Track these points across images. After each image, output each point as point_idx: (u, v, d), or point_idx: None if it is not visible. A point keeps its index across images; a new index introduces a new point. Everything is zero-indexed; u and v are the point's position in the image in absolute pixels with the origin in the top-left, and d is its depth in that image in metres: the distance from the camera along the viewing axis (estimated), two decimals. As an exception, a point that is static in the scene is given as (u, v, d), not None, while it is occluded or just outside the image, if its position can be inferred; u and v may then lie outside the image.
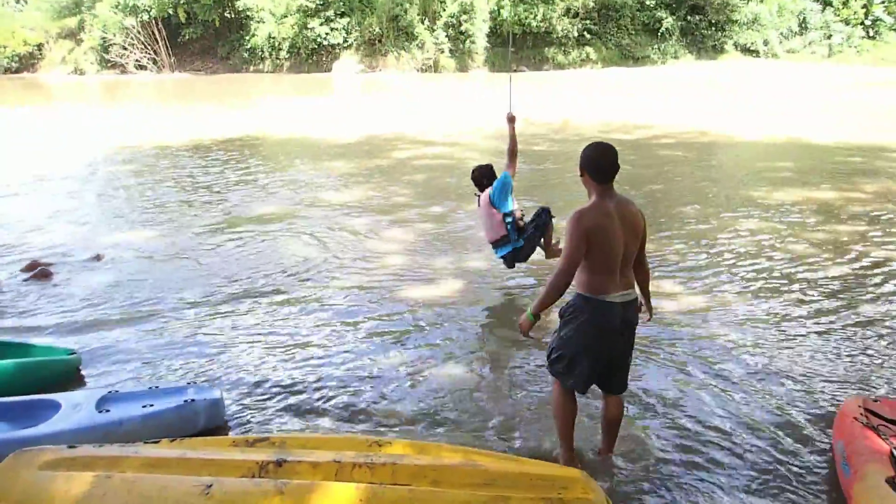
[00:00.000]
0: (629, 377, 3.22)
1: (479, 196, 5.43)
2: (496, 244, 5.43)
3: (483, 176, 5.50)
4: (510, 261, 5.51)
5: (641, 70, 36.39)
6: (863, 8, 40.37)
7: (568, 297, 3.09)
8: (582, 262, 2.90)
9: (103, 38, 40.60)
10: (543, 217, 5.46)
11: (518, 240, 5.36)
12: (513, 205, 5.37)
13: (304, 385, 4.05)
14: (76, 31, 43.26)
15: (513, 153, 5.39)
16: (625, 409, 3.30)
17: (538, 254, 5.69)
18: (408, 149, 13.11)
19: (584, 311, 2.98)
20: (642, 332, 4.65)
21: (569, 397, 3.17)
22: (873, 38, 40.72)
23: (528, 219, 5.49)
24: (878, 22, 40.68)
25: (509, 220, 5.31)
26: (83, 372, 4.23)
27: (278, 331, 4.85)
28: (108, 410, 3.40)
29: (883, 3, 40.53)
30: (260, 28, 39.65)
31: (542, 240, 5.53)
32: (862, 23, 40.41)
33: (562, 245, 3.19)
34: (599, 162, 2.97)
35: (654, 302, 4.62)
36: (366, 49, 38.95)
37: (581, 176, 3.02)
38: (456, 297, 5.45)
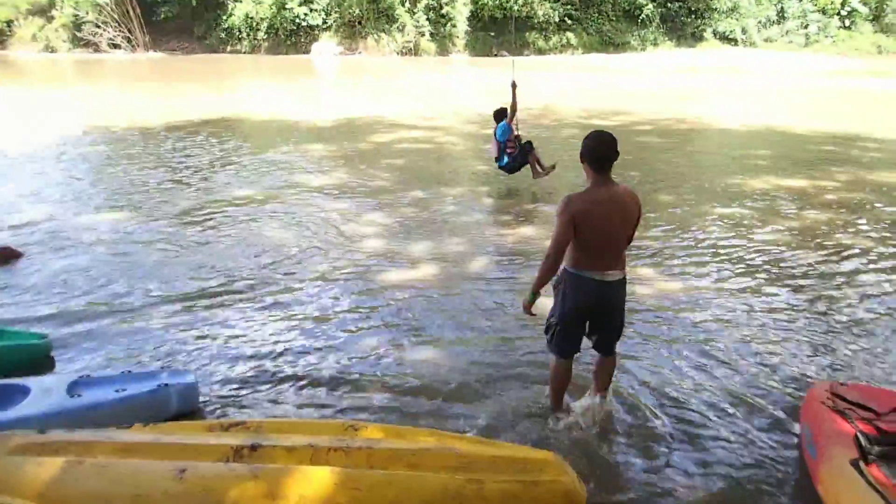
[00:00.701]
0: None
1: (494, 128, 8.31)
2: (496, 160, 8.43)
3: (499, 116, 8.32)
4: (505, 169, 8.41)
5: (621, 56, 36.48)
6: (839, -3, 40.78)
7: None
8: (572, 242, 3.12)
9: (75, 15, 39.64)
10: (526, 147, 8.25)
11: (503, 158, 8.28)
12: (509, 136, 8.18)
13: (280, 370, 4.03)
14: (47, 7, 42.15)
15: (513, 111, 8.15)
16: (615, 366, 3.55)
17: (521, 246, 5.70)
18: (387, 132, 13.04)
19: (567, 283, 3.24)
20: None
21: (561, 365, 3.42)
22: (849, 28, 41.23)
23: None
24: (853, 13, 41.17)
25: (503, 147, 8.26)
26: (54, 356, 4.17)
27: (254, 315, 4.82)
28: (79, 395, 3.35)
29: (859, -7, 40.96)
30: (237, 8, 39.00)
31: (530, 165, 8.30)
32: (838, 13, 40.86)
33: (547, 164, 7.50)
34: (596, 151, 3.11)
35: (628, 287, 4.70)
36: (345, 31, 38.52)
37: (581, 163, 3.18)
38: (434, 282, 5.45)
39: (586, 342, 3.45)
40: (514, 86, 8.06)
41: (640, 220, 3.27)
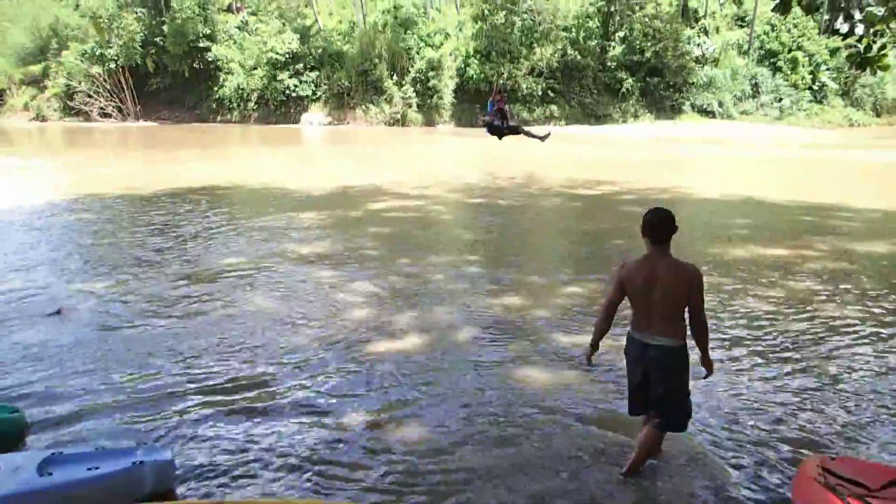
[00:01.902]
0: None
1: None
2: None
3: (501, 99, 10.28)
4: (488, 131, 10.28)
5: (603, 128, 37.55)
6: (810, 74, 42.63)
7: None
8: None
9: (67, 85, 40.42)
10: (509, 129, 10.22)
11: (485, 125, 10.46)
12: (490, 109, 10.26)
13: (260, 446, 3.92)
14: (40, 77, 43.02)
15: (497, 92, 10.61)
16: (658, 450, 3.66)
17: (507, 317, 5.66)
18: (375, 201, 13.18)
19: (627, 343, 3.59)
20: (605, 391, 4.68)
21: (644, 426, 3.61)
22: (820, 102, 42.92)
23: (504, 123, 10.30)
24: (824, 87, 42.96)
25: (485, 118, 10.62)
26: (27, 431, 4.03)
27: (234, 386, 4.72)
28: (50, 473, 3.21)
29: (829, 69, 42.86)
30: (229, 79, 40.00)
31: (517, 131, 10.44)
32: (810, 87, 42.61)
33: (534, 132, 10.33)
34: (652, 224, 3.43)
35: (614, 356, 4.67)
36: (334, 102, 39.54)
37: (643, 237, 3.47)
38: (420, 354, 5.40)
39: None
40: (497, 88, 11.35)
41: (698, 293, 3.41)
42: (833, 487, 3.04)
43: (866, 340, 5.79)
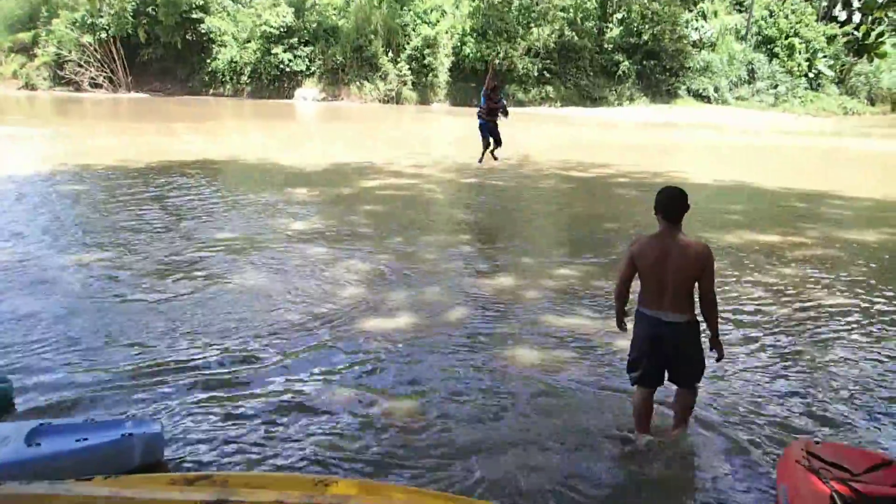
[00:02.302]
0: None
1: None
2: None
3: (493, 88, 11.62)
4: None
5: (598, 110, 37.43)
6: (806, 61, 42.56)
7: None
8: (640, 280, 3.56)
9: (58, 54, 39.80)
10: (487, 131, 11.38)
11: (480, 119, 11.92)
12: (484, 104, 11.66)
13: (250, 420, 3.92)
14: (29, 45, 42.33)
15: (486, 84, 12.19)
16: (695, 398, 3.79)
17: (500, 296, 5.68)
18: (368, 178, 13.11)
19: (637, 320, 3.64)
20: (595, 373, 4.71)
21: (641, 395, 3.70)
22: (816, 89, 42.92)
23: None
24: (820, 75, 42.94)
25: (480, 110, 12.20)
26: (15, 402, 4.02)
27: (226, 361, 4.71)
28: (38, 444, 3.21)
29: (825, 57, 42.81)
30: (222, 52, 39.48)
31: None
32: (805, 75, 42.57)
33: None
34: (665, 203, 3.50)
35: (605, 339, 4.70)
36: (328, 78, 39.15)
37: (655, 214, 3.54)
38: (413, 332, 5.40)
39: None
40: (493, 68, 11.77)
41: (709, 272, 3.50)
42: (817, 471, 3.07)
43: (856, 327, 5.84)
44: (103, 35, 38.85)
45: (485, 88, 11.28)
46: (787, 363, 5.03)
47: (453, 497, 2.90)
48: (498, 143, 11.60)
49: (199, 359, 4.74)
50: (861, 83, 44.28)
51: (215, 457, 3.55)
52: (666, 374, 3.68)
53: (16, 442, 3.19)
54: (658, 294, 3.49)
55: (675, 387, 3.80)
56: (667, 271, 3.44)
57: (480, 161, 11.54)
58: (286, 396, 4.24)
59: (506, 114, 11.56)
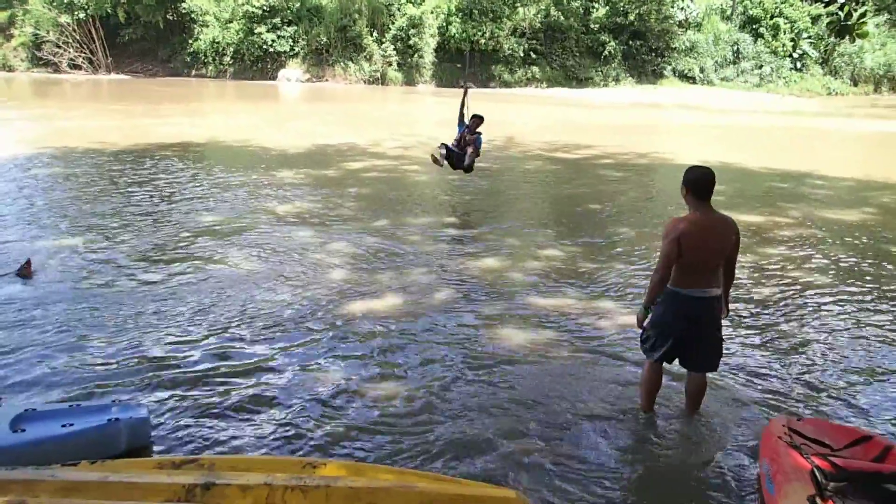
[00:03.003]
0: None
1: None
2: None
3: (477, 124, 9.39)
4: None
5: (584, 91, 37.38)
6: (791, 41, 42.67)
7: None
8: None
9: (35, 34, 38.97)
10: (458, 160, 9.42)
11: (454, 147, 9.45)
12: (461, 132, 9.47)
13: (237, 404, 3.92)
14: (6, 25, 41.42)
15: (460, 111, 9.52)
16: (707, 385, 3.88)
17: (486, 277, 5.68)
18: (353, 160, 13.03)
19: (668, 301, 3.62)
20: (581, 354, 4.75)
21: (653, 371, 3.82)
22: (800, 70, 43.10)
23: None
24: (804, 55, 43.08)
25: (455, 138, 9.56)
26: (-3, 388, 3.99)
27: (212, 346, 4.70)
28: (23, 430, 3.19)
29: (809, 37, 42.93)
30: (204, 32, 38.86)
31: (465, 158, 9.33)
32: (790, 55, 42.70)
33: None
34: (698, 182, 3.55)
35: (591, 319, 4.76)
36: (312, 58, 38.70)
37: (684, 194, 3.60)
38: (399, 313, 5.41)
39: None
40: (465, 89, 9.79)
41: (738, 244, 3.63)
42: (798, 446, 3.13)
43: (835, 306, 5.92)
44: (81, 15, 38.04)
45: (464, 114, 9.40)
46: (768, 341, 5.10)
47: (440, 476, 2.92)
48: (467, 169, 9.51)
49: (184, 343, 4.72)
50: (844, 64, 44.56)
51: (201, 441, 3.55)
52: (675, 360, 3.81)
53: (0, 428, 3.17)
54: (701, 272, 3.54)
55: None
56: (710, 248, 3.52)
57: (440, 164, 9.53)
58: (272, 381, 4.23)
59: (477, 153, 9.49)
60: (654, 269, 3.59)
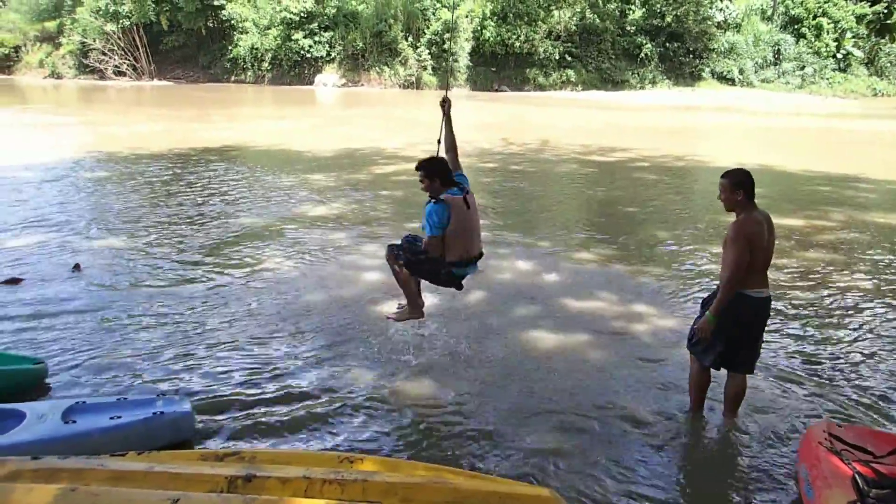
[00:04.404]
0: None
1: (467, 195, 4.25)
2: (479, 258, 4.43)
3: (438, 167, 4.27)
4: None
5: (620, 94, 36.98)
6: (834, 41, 41.56)
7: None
8: None
9: (82, 42, 40.23)
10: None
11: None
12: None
13: (277, 400, 4.02)
14: (55, 34, 42.86)
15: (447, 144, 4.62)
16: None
17: (518, 280, 5.68)
18: (387, 164, 13.15)
19: (738, 304, 3.52)
20: (614, 356, 4.73)
21: (703, 373, 3.82)
22: (844, 70, 41.93)
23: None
24: (849, 56, 41.92)
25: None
26: (49, 382, 4.15)
27: (252, 345, 4.81)
28: (74, 421, 3.33)
29: (854, 37, 41.76)
30: (243, 39, 39.62)
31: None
32: (833, 55, 41.59)
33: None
34: (750, 183, 3.57)
35: (626, 323, 4.76)
36: (348, 63, 39.11)
37: (734, 194, 3.56)
38: (431, 313, 5.43)
39: None
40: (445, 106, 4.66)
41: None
42: (838, 452, 3.08)
43: (879, 311, 5.78)
44: (126, 23, 39.16)
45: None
46: (809, 345, 5.01)
47: (475, 474, 2.95)
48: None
49: (226, 342, 4.84)
50: (891, 63, 43.19)
51: (242, 435, 3.64)
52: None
53: (53, 419, 3.31)
54: (763, 271, 3.57)
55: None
56: (770, 247, 3.57)
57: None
58: (309, 379, 4.32)
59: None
60: (729, 276, 3.46)
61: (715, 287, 3.77)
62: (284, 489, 2.58)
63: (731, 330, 3.58)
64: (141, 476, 2.65)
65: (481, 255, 4.43)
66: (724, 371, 3.82)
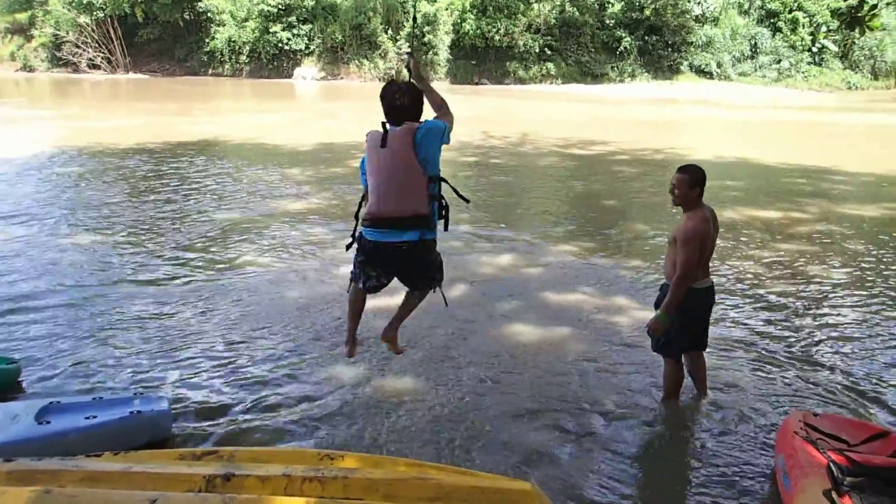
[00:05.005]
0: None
1: (387, 129, 3.14)
2: (398, 224, 3.12)
3: (412, 99, 3.20)
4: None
5: (600, 87, 37.15)
6: (810, 35, 42.08)
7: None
8: None
9: (55, 34, 39.48)
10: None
11: (433, 230, 3.26)
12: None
13: (256, 398, 3.98)
14: (26, 26, 42.02)
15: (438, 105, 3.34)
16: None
17: (500, 274, 5.70)
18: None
19: (687, 301, 3.61)
20: (595, 349, 4.76)
21: (676, 367, 3.91)
22: (819, 64, 42.49)
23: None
24: (823, 49, 42.47)
25: (436, 190, 3.18)
26: (23, 382, 4.08)
27: (230, 341, 4.77)
28: (48, 422, 3.27)
29: (829, 31, 42.31)
30: (220, 31, 39.14)
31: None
32: (809, 49, 42.12)
33: None
34: (703, 179, 3.65)
35: (606, 315, 4.78)
36: (328, 56, 38.84)
37: (691, 192, 3.63)
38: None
39: None
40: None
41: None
42: (814, 441, 3.12)
43: (854, 302, 5.87)
44: (100, 15, 38.49)
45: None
46: (785, 337, 5.07)
47: (457, 469, 2.95)
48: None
49: (204, 339, 4.79)
50: (864, 57, 43.83)
51: (221, 434, 3.60)
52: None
53: (26, 420, 3.25)
54: (707, 264, 3.72)
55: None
56: (713, 243, 3.73)
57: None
58: (289, 377, 4.29)
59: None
60: (681, 276, 3.53)
61: (664, 283, 3.82)
62: (264, 487, 2.55)
63: (690, 325, 3.74)
64: (118, 476, 2.61)
65: (399, 221, 3.10)
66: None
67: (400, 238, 3.12)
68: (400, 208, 3.08)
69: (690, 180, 3.62)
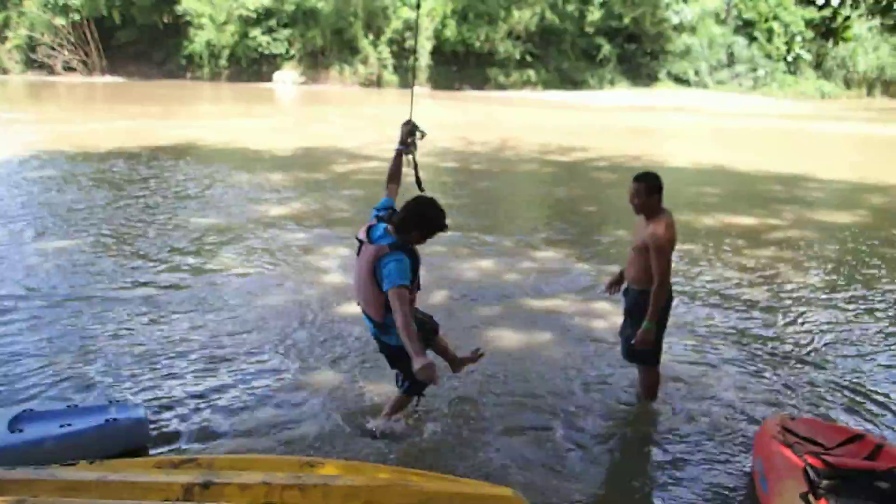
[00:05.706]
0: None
1: (363, 242, 3.71)
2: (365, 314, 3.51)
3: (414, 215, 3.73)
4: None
5: (579, 94, 37.46)
6: (785, 45, 42.89)
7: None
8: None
9: (30, 36, 38.84)
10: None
11: (391, 336, 3.39)
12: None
13: (236, 406, 3.93)
14: (0, 28, 41.25)
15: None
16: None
17: (481, 279, 5.69)
18: (347, 163, 13.04)
19: (667, 305, 3.74)
20: (575, 354, 4.77)
21: (655, 371, 3.96)
22: (794, 73, 43.32)
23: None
24: (798, 59, 43.32)
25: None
26: (-5, 389, 3.99)
27: (208, 347, 4.71)
28: (21, 430, 3.20)
29: (803, 41, 43.17)
30: (199, 34, 38.81)
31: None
32: (784, 59, 42.93)
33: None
34: (661, 186, 3.68)
35: (585, 320, 4.80)
36: (308, 61, 38.71)
37: (651, 199, 3.67)
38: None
39: None
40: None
41: None
42: (791, 445, 3.16)
43: (828, 306, 5.97)
44: (76, 17, 37.93)
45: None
46: (761, 342, 5.14)
47: (438, 475, 2.94)
48: None
49: (181, 345, 4.73)
50: (837, 67, 44.78)
51: (199, 442, 3.56)
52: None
53: (-2, 428, 3.18)
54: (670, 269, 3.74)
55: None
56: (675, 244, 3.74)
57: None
58: (269, 383, 4.24)
59: None
60: (661, 282, 3.59)
61: (631, 290, 3.90)
62: (243, 496, 2.52)
63: (663, 328, 3.82)
64: (93, 486, 2.56)
65: (365, 312, 3.48)
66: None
67: (367, 322, 3.59)
68: (364, 305, 3.52)
69: (647, 188, 3.66)
